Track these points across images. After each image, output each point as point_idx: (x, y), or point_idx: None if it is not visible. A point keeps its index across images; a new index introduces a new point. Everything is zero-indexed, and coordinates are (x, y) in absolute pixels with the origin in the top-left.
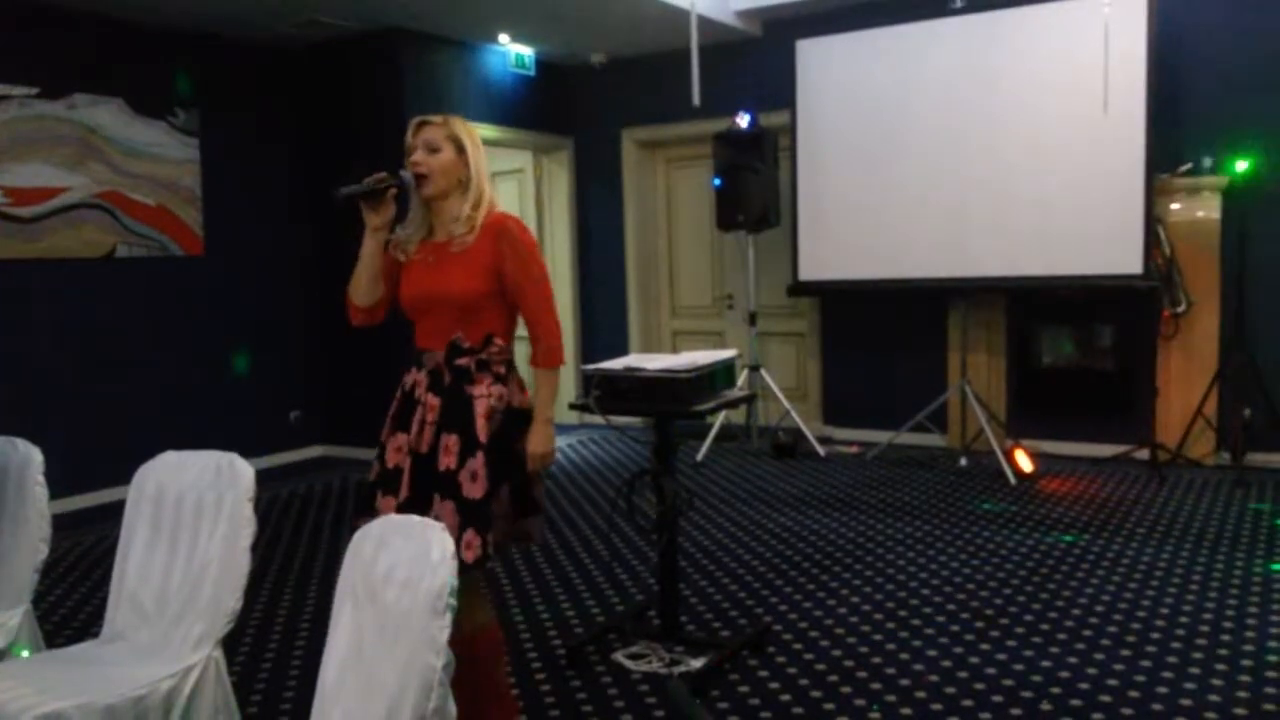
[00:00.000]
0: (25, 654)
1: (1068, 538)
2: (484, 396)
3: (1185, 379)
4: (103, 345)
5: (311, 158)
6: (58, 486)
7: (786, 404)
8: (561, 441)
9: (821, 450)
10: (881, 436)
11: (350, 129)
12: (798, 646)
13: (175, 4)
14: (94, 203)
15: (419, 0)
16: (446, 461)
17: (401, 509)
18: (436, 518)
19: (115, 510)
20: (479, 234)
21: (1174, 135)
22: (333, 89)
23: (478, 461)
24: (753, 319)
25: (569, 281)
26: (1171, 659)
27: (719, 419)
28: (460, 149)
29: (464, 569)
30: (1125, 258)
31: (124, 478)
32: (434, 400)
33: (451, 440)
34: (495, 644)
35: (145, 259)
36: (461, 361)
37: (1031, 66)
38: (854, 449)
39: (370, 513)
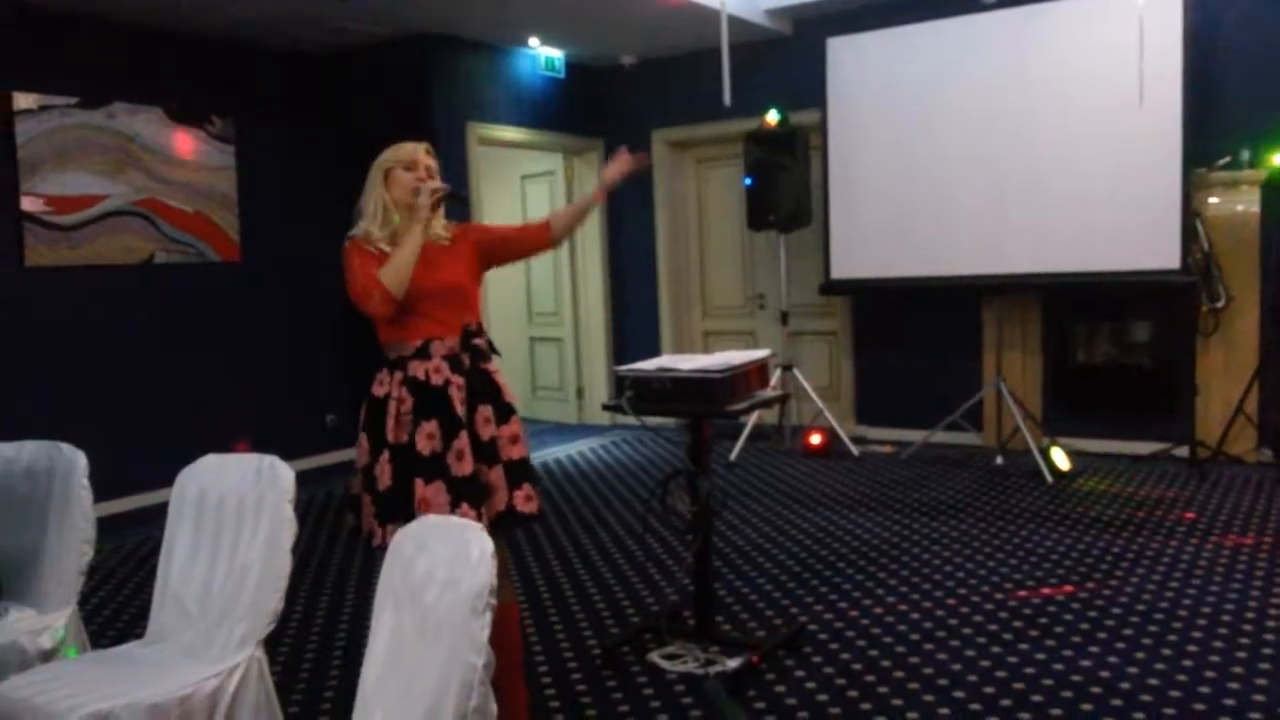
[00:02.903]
0: (73, 654)
1: (1106, 536)
2: (498, 371)
3: (1225, 375)
4: (143, 350)
5: (345, 163)
6: (99, 489)
7: (820, 403)
8: (594, 442)
9: (855, 450)
10: (916, 435)
11: (382, 133)
12: (834, 646)
13: (210, 13)
14: (133, 210)
15: (450, 6)
16: (487, 431)
17: (464, 483)
18: (490, 485)
19: (156, 512)
20: (456, 237)
21: (1211, 128)
22: (365, 94)
23: (512, 427)
24: (785, 318)
25: (600, 283)
26: (1214, 658)
27: (752, 419)
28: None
29: (532, 519)
30: (1163, 253)
31: (163, 480)
32: (458, 379)
33: (487, 410)
34: (510, 621)
35: (183, 265)
36: (478, 342)
37: (1065, 61)
38: (888, 448)
39: (400, 518)
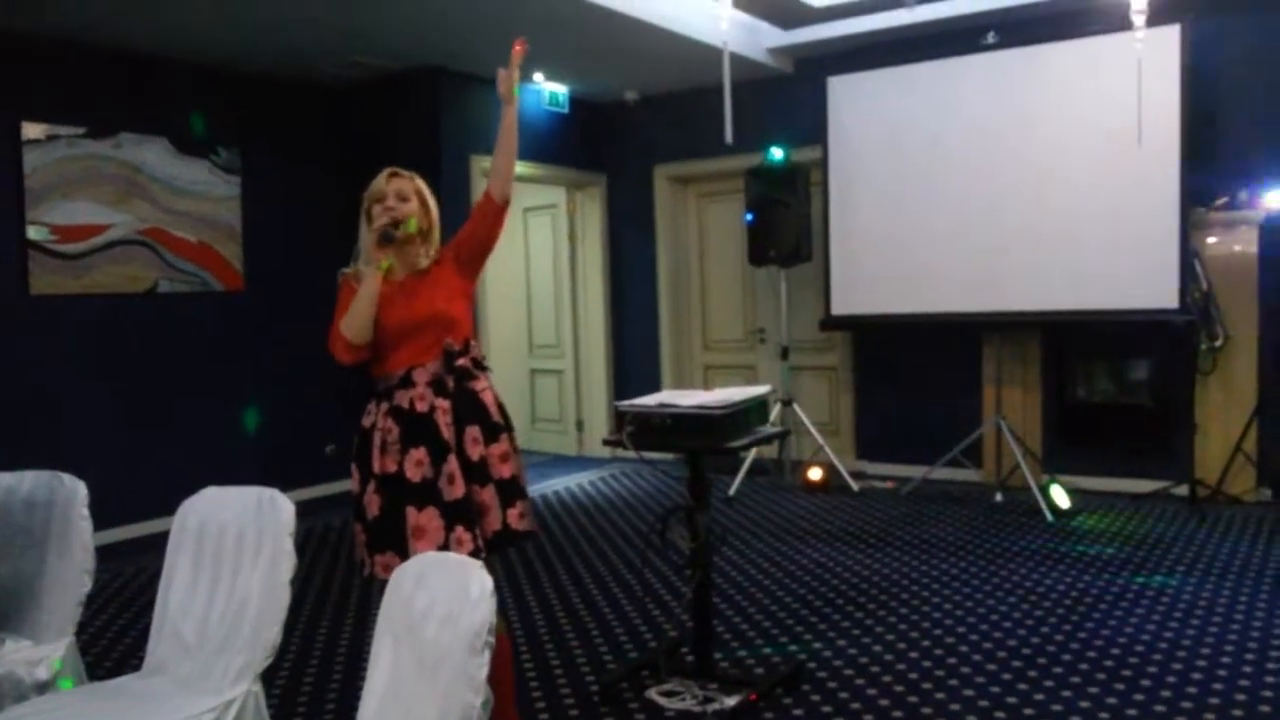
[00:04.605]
0: (69, 686)
1: (1106, 575)
2: (487, 389)
3: (1224, 414)
4: (145, 379)
5: (349, 195)
6: (99, 518)
7: (820, 438)
8: (594, 475)
9: (855, 485)
10: (915, 471)
11: (386, 166)
12: (832, 684)
13: (219, 45)
14: (137, 239)
15: (456, 41)
16: (476, 451)
17: (457, 506)
18: (482, 505)
19: (153, 542)
20: (435, 263)
21: (1209, 168)
22: (371, 127)
23: (502, 445)
24: (785, 353)
25: (601, 316)
26: (1213, 700)
27: (751, 454)
28: (424, 203)
29: (527, 537)
30: (1161, 292)
31: (163, 510)
32: (444, 403)
33: (475, 431)
34: (503, 654)
35: (187, 294)
36: (461, 363)
37: (1064, 101)
38: (888, 484)
39: (391, 548)
